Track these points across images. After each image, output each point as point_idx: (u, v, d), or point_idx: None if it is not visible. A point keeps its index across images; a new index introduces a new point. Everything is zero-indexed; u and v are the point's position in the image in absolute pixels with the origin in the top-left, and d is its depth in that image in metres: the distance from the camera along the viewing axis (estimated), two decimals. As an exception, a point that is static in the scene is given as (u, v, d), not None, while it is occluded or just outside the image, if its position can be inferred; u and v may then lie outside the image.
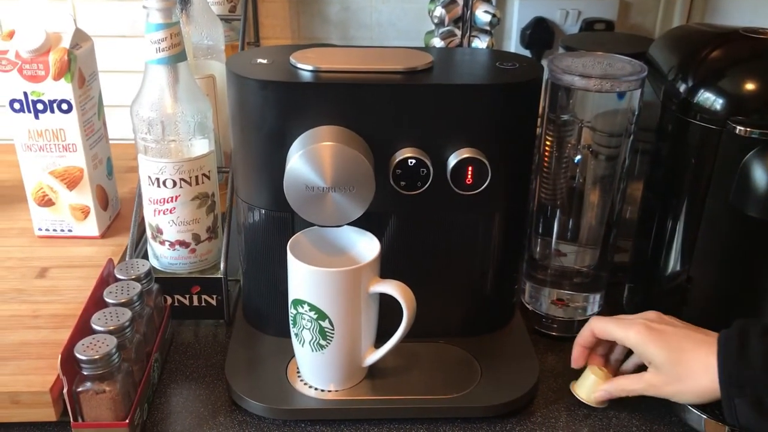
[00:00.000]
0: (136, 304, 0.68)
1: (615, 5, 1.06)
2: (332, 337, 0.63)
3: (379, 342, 0.67)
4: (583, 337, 0.68)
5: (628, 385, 0.65)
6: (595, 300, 0.78)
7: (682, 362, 0.60)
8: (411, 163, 0.64)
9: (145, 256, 0.81)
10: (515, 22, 1.07)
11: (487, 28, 0.82)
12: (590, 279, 0.77)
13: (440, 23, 0.81)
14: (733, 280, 0.67)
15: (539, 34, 1.05)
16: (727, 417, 0.59)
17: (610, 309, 0.81)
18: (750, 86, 0.60)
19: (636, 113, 0.70)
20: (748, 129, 0.60)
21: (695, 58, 0.64)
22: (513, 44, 1.09)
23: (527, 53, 1.07)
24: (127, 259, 0.79)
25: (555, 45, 1.04)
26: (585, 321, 0.77)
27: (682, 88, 0.64)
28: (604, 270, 0.76)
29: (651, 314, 0.65)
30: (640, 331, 0.62)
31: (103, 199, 0.86)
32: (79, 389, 0.60)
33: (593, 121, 0.69)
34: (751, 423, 0.58)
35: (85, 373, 0.60)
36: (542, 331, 0.78)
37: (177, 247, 0.77)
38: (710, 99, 0.62)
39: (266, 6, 1.06)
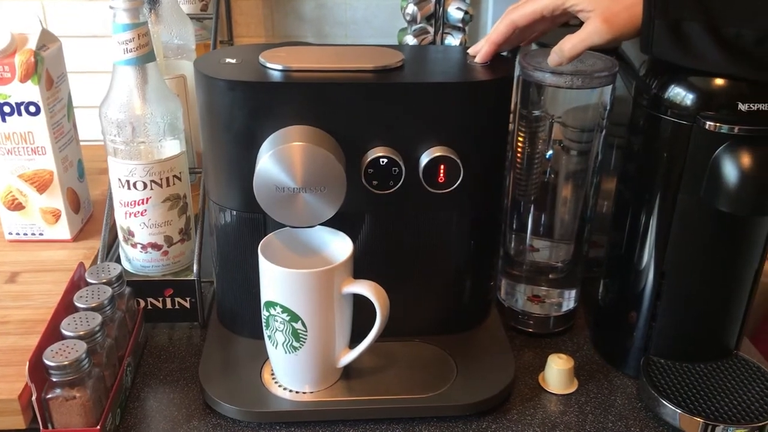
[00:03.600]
0: (107, 308, 0.67)
1: (589, 0, 1.06)
2: (305, 339, 0.63)
3: (354, 342, 0.67)
4: (498, 33, 0.66)
5: (571, 39, 0.63)
6: (570, 296, 0.78)
7: None
8: (383, 162, 0.64)
9: (119, 260, 0.80)
10: (490, 18, 1.07)
11: (460, 25, 0.81)
12: (565, 274, 0.77)
13: (412, 20, 0.80)
14: (705, 275, 0.68)
15: (514, 30, 1.05)
16: (642, 45, 0.59)
17: (586, 304, 0.81)
18: (719, 82, 0.60)
19: (608, 108, 0.70)
20: (717, 124, 0.59)
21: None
22: (488, 40, 1.08)
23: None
24: (98, 262, 0.78)
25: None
26: (561, 317, 0.78)
27: (653, 83, 0.64)
28: (579, 265, 0.76)
29: None
30: None
31: (75, 202, 0.85)
32: (49, 396, 0.59)
33: (564, 117, 0.69)
34: (665, 49, 0.59)
35: (54, 380, 0.59)
36: (519, 327, 0.78)
37: (149, 249, 0.76)
38: (680, 94, 0.61)
39: (239, 4, 1.05)
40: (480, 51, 0.68)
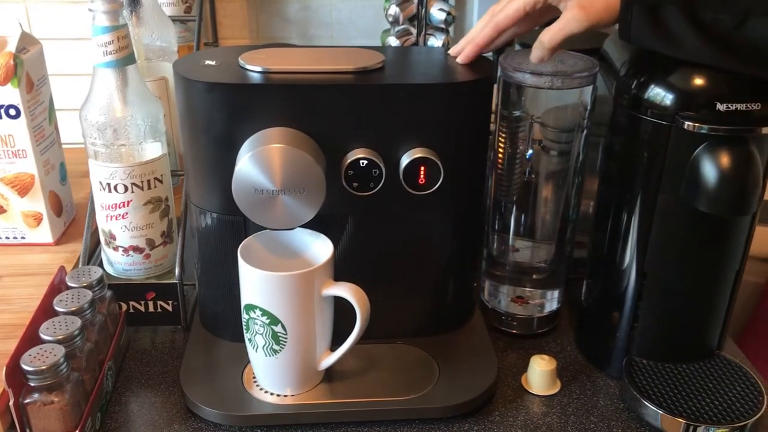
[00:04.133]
0: (87, 312, 0.67)
1: (574, 1, 1.06)
2: (286, 342, 0.63)
3: (335, 344, 0.67)
4: (483, 36, 0.66)
5: (550, 30, 0.63)
6: (553, 296, 0.78)
7: None
8: (363, 164, 0.63)
9: (102, 263, 0.80)
10: (475, 18, 1.07)
11: (443, 26, 0.81)
12: (548, 275, 0.77)
13: (395, 22, 0.80)
14: (687, 276, 0.68)
15: (499, 30, 1.05)
16: (620, 31, 0.59)
17: (570, 305, 0.81)
18: (698, 82, 0.60)
19: (588, 109, 0.70)
20: (696, 124, 0.59)
21: (646, 54, 0.64)
22: (474, 41, 1.08)
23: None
24: (80, 266, 0.77)
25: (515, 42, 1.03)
26: (545, 318, 0.78)
27: (633, 83, 0.64)
28: (562, 265, 0.76)
29: None
30: None
31: (57, 206, 0.85)
32: (27, 401, 0.59)
33: (543, 117, 0.69)
34: (643, 34, 0.59)
35: (32, 384, 0.59)
36: (502, 329, 0.78)
37: (131, 252, 0.76)
38: (660, 94, 0.61)
39: (224, 6, 1.05)
40: (463, 52, 0.67)
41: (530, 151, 0.69)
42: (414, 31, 0.82)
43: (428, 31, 0.82)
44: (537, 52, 0.65)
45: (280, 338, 0.63)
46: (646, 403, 0.66)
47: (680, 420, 0.64)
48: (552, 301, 0.78)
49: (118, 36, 0.69)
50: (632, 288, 0.69)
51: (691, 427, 0.64)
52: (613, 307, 0.71)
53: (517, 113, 0.69)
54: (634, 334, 0.70)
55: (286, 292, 0.61)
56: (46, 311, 0.66)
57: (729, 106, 0.59)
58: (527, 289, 0.77)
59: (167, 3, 0.92)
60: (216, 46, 1.05)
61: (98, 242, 0.81)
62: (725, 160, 0.59)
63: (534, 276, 0.76)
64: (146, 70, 0.82)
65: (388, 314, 0.72)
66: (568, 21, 0.61)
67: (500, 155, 0.72)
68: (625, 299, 0.69)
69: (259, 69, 0.64)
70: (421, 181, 0.65)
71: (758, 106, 0.59)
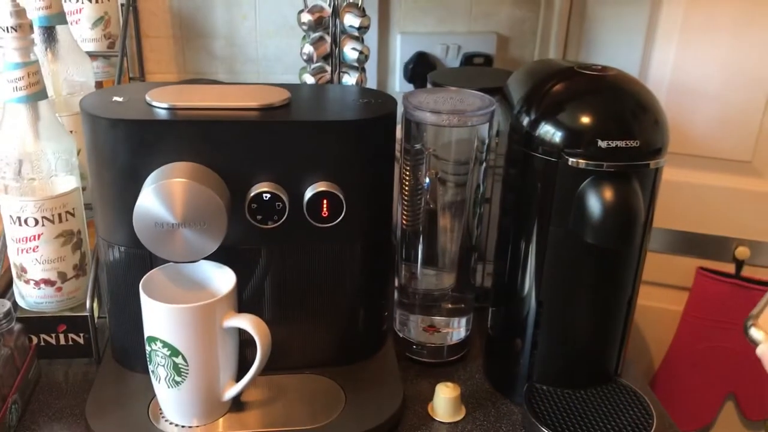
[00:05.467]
0: (-9, 345, 0.67)
1: (493, 40, 1.11)
2: (187, 373, 0.64)
3: (241, 375, 0.68)
4: None
5: None
6: (461, 324, 0.80)
7: None
8: (266, 197, 0.65)
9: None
10: (398, 56, 1.11)
11: (356, 64, 0.84)
12: (455, 303, 0.79)
13: (309, 60, 0.83)
14: (580, 304, 0.71)
15: (421, 68, 1.09)
16: None
17: (478, 333, 0.84)
18: (580, 120, 0.64)
19: (486, 143, 0.73)
20: (579, 161, 0.63)
21: (536, 93, 0.68)
22: (397, 78, 1.12)
23: (411, 87, 1.11)
24: (-10, 299, 0.77)
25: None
26: (454, 346, 0.80)
27: (525, 121, 0.67)
28: (468, 293, 0.79)
29: None
30: None
31: (-28, 239, 0.84)
32: None
33: (440, 150, 0.72)
34: None
35: (-73, 419, 0.59)
36: (414, 357, 0.80)
37: (42, 285, 0.76)
38: (549, 132, 0.65)
39: (150, 41, 1.06)
40: None
41: (427, 181, 0.72)
42: (329, 68, 0.84)
43: (342, 69, 0.85)
44: None
45: (181, 369, 0.63)
46: (543, 429, 0.68)
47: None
48: (460, 329, 0.80)
49: (29, 72, 0.70)
50: (532, 316, 0.71)
51: (587, 451, 0.67)
52: (515, 334, 0.73)
53: (417, 146, 0.72)
54: (534, 361, 0.73)
55: (184, 324, 0.62)
56: (-52, 345, 0.66)
57: (609, 143, 0.63)
58: (435, 318, 0.79)
59: (90, 39, 0.94)
60: (142, 80, 1.07)
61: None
62: (607, 194, 0.63)
63: (441, 304, 0.79)
64: (64, 104, 0.83)
65: (297, 345, 0.73)
66: None
67: (405, 186, 0.75)
68: (525, 327, 0.72)
69: (164, 105, 0.66)
70: (324, 213, 0.67)
71: (636, 143, 0.63)
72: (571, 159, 0.63)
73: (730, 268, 1.05)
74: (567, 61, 0.82)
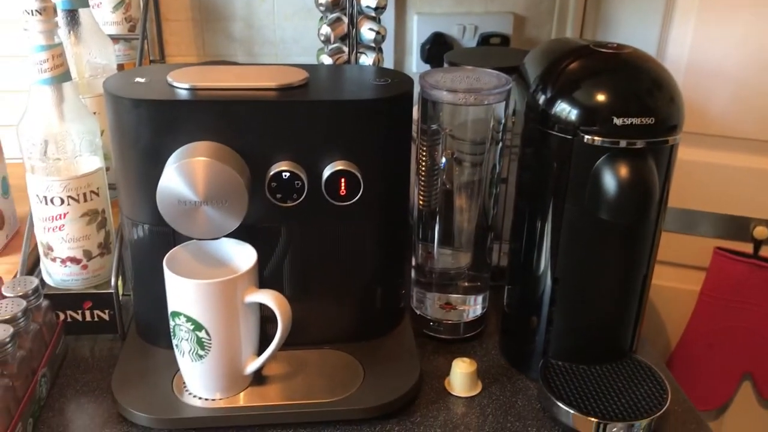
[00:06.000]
0: (21, 320, 0.69)
1: (510, 20, 1.11)
2: (210, 347, 0.65)
3: (263, 349, 0.69)
4: None
5: None
6: (477, 302, 0.81)
7: None
8: (285, 176, 0.66)
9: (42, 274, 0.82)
10: (415, 37, 1.11)
11: (373, 45, 0.85)
12: (471, 282, 0.80)
13: (327, 41, 0.84)
14: (595, 280, 0.71)
15: (438, 48, 1.09)
16: None
17: (494, 311, 0.85)
18: (595, 98, 0.64)
19: (502, 123, 0.73)
20: (595, 138, 0.63)
21: (552, 71, 0.68)
22: (414, 59, 1.12)
23: (428, 67, 1.11)
24: (18, 276, 0.79)
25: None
26: (470, 323, 0.81)
27: (541, 99, 0.67)
28: (484, 272, 0.80)
29: None
30: None
31: (-1, 218, 0.87)
32: (-45, 406, 0.61)
33: (456, 130, 0.73)
34: None
35: (-40, 390, 0.61)
36: (430, 334, 0.81)
37: (68, 263, 0.78)
38: (564, 110, 0.65)
39: (170, 25, 1.08)
40: None
41: (444, 161, 0.73)
42: (346, 49, 0.85)
43: (359, 50, 0.86)
44: None
45: (205, 343, 0.65)
46: (559, 403, 0.69)
47: (591, 419, 0.67)
48: (476, 306, 0.81)
49: (53, 54, 0.72)
50: (547, 293, 0.72)
51: (602, 425, 0.67)
52: (530, 312, 0.74)
53: (434, 126, 0.73)
54: (550, 337, 0.73)
55: (207, 299, 0.64)
56: (-21, 320, 0.68)
57: (625, 120, 0.63)
58: (452, 295, 0.80)
59: (112, 22, 0.95)
60: (163, 63, 1.08)
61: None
62: (623, 170, 0.63)
63: (458, 283, 0.80)
64: (87, 86, 0.84)
65: (317, 321, 0.75)
66: None
67: (422, 166, 0.76)
68: (541, 304, 0.73)
69: (186, 86, 0.67)
70: (342, 192, 0.68)
71: (652, 120, 0.63)
72: (586, 136, 0.64)
73: (748, 247, 1.05)
74: (584, 39, 0.82)
